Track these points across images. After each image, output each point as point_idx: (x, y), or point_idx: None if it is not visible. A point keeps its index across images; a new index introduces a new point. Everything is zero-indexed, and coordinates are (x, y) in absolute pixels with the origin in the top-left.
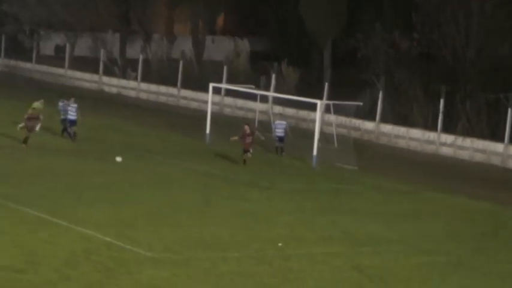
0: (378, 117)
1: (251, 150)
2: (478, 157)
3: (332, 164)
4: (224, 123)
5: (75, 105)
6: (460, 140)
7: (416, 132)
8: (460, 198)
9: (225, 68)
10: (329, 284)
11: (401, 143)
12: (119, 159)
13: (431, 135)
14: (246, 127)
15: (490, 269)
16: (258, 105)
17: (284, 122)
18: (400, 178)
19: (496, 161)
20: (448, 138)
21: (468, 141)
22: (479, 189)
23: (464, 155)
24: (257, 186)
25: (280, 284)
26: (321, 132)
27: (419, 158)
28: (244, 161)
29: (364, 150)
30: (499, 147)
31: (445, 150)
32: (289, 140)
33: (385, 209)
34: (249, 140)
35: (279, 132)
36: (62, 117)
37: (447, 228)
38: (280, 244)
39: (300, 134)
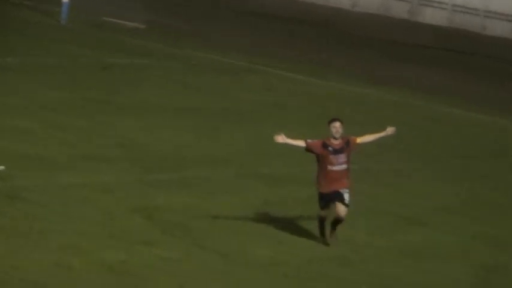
0: None
1: (346, 194)
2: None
3: (99, 19)
4: None
5: None
6: None
7: None
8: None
9: None
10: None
11: None
12: None
13: None
14: (337, 125)
15: None
16: None
17: None
18: (234, 42)
19: (398, 10)
20: None
21: None
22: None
23: None
24: None
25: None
26: None
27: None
28: (333, 232)
29: None
30: None
31: None
32: None
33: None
34: (338, 164)
35: None
36: None
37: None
38: (1, 167)
39: None
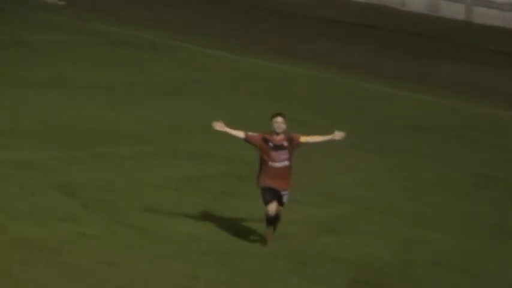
0: None
1: (285, 195)
2: None
3: None
4: None
5: None
6: None
7: None
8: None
9: None
10: None
11: None
12: None
13: None
14: (279, 120)
15: None
16: None
17: None
18: (154, 19)
19: None
20: None
21: None
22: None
23: None
24: None
25: None
26: None
27: None
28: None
29: None
30: None
31: None
32: None
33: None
34: (280, 161)
35: None
36: None
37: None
38: None
39: None
